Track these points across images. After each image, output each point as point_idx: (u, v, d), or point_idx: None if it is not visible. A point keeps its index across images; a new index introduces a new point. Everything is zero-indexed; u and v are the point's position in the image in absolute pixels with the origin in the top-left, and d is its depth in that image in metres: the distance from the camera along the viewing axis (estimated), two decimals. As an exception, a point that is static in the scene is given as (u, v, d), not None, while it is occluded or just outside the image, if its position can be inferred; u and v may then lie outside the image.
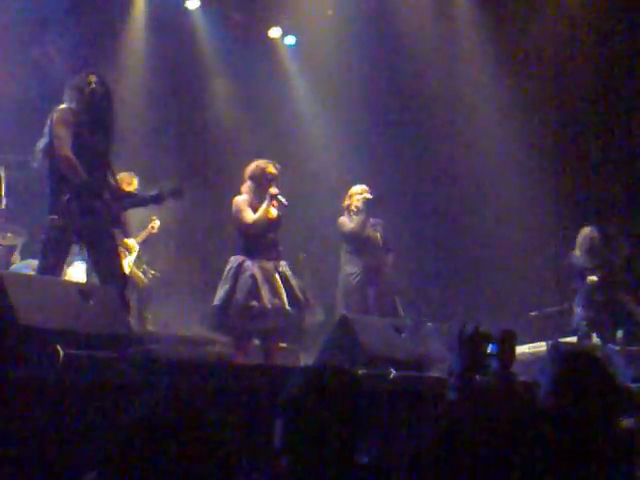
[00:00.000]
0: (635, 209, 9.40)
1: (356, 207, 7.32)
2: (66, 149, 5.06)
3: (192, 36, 10.17)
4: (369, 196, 7.27)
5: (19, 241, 7.92)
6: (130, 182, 7.89)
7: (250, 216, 6.14)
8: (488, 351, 2.87)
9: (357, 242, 7.26)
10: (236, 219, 6.21)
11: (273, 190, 6.18)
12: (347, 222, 7.32)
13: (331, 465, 2.05)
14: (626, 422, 4.10)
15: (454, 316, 8.65)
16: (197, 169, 10.09)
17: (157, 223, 8.37)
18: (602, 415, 2.47)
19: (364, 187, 7.37)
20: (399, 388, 4.84)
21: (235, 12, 10.32)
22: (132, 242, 8.06)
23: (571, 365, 2.59)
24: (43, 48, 8.68)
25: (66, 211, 5.00)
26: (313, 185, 9.94)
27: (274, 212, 6.27)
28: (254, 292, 5.93)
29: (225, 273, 6.09)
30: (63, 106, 5.21)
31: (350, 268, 7.27)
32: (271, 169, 6.26)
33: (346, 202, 7.39)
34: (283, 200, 6.21)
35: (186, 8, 10.02)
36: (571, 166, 9.74)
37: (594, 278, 7.85)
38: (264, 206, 6.15)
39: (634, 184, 9.53)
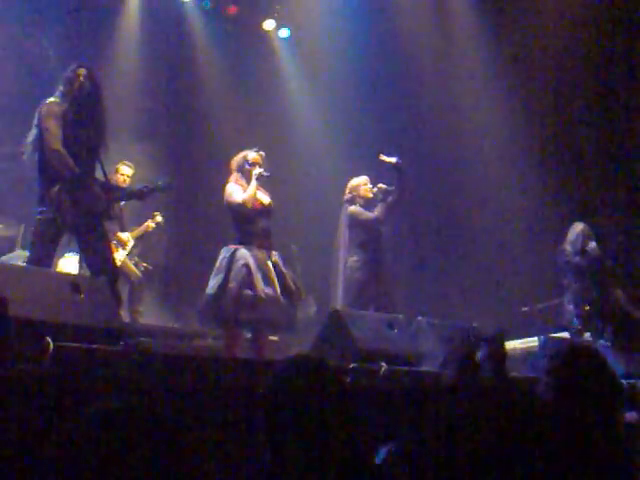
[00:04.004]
0: (629, 206, 9.41)
1: (365, 197, 7.22)
2: (56, 142, 5.06)
3: (186, 28, 10.15)
4: (384, 186, 7.19)
5: (12, 232, 7.90)
6: (121, 170, 7.89)
7: (241, 195, 6.17)
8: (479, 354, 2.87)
9: (372, 232, 7.15)
10: (228, 202, 6.24)
11: (256, 170, 6.21)
12: (363, 211, 7.17)
13: (314, 460, 2.04)
14: (629, 417, 4.10)
15: (448, 311, 8.65)
16: (190, 160, 10.08)
17: (159, 219, 8.34)
18: (603, 410, 2.47)
19: (366, 178, 7.30)
20: (390, 382, 4.84)
21: (229, 4, 10.30)
22: (126, 236, 8.05)
23: (572, 360, 2.58)
24: (35, 41, 8.65)
25: (56, 203, 4.99)
26: (306, 177, 9.94)
27: (265, 199, 6.29)
28: (248, 281, 5.92)
29: (218, 263, 6.08)
30: (52, 99, 5.21)
31: (357, 260, 7.09)
32: (251, 155, 6.33)
33: (348, 194, 7.26)
34: (265, 173, 6.24)
35: (180, 0, 10.00)
36: (567, 164, 9.74)
37: (593, 244, 7.85)
38: (252, 185, 6.19)
39: (630, 183, 9.53)
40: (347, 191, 7.28)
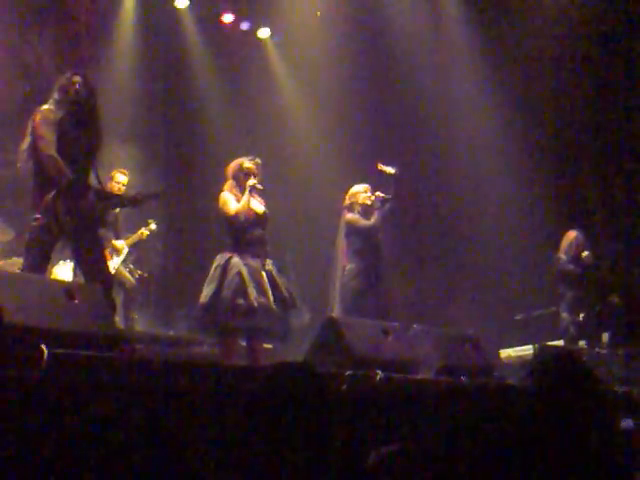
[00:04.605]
0: (622, 212, 9.43)
1: (362, 204, 7.22)
2: (50, 149, 5.05)
3: (181, 35, 10.16)
4: (382, 194, 7.19)
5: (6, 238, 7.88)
6: (116, 178, 7.88)
7: (234, 206, 6.17)
8: None
9: (369, 240, 7.15)
10: (221, 212, 6.24)
11: (250, 181, 6.20)
12: (360, 218, 7.17)
13: (306, 466, 2.02)
14: (624, 424, 4.09)
15: (443, 318, 8.65)
16: (185, 167, 10.07)
17: (153, 226, 8.32)
18: (586, 417, 2.46)
19: (367, 186, 7.30)
20: (386, 390, 4.83)
21: (224, 12, 10.33)
22: (121, 244, 8.04)
23: (552, 368, 2.58)
24: (31, 47, 8.65)
25: (50, 210, 4.98)
26: (300, 185, 9.94)
27: (260, 208, 6.28)
28: (241, 290, 5.92)
29: (212, 271, 6.08)
30: (45, 106, 5.20)
31: (353, 268, 7.08)
32: (246, 164, 6.31)
33: (347, 201, 7.25)
34: (258, 186, 6.23)
35: (175, 7, 10.02)
36: (564, 171, 9.76)
37: (586, 253, 7.85)
38: (244, 197, 6.18)
39: (624, 191, 9.55)
40: (346, 198, 7.28)
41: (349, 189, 7.32)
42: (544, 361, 2.65)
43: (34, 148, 5.11)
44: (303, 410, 2.08)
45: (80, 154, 5.19)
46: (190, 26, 10.22)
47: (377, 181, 7.33)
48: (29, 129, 5.16)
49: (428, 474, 1.92)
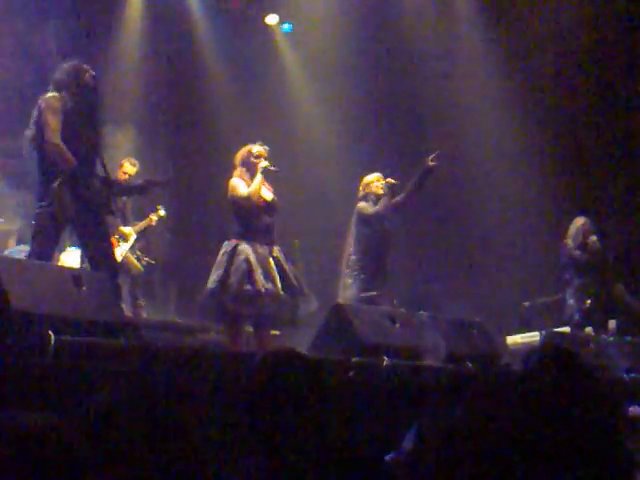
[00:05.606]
0: (630, 202, 9.41)
1: (376, 193, 7.19)
2: (55, 137, 5.06)
3: (189, 22, 10.14)
4: (393, 180, 7.16)
5: (13, 227, 7.90)
6: (125, 167, 7.89)
7: (245, 189, 6.13)
8: None
9: (375, 228, 7.10)
10: (232, 197, 6.17)
11: (262, 163, 6.17)
12: (369, 206, 7.13)
13: (288, 459, 2.02)
14: (632, 411, 4.09)
15: (449, 305, 8.64)
16: (193, 154, 10.07)
17: (162, 212, 8.31)
18: (577, 407, 2.45)
19: (378, 175, 7.26)
20: (392, 377, 4.84)
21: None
22: (129, 230, 8.05)
23: (543, 362, 2.58)
24: (39, 36, 8.65)
25: (56, 197, 4.98)
26: (308, 172, 9.93)
27: (269, 195, 6.24)
28: (248, 276, 5.90)
29: (219, 257, 6.06)
30: (51, 94, 5.19)
31: (358, 259, 7.06)
32: (255, 148, 6.26)
33: (362, 191, 7.21)
34: (272, 168, 6.18)
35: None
36: (568, 159, 9.73)
37: (594, 237, 7.82)
38: (257, 178, 6.13)
39: (629, 179, 9.52)
40: (360, 189, 7.25)
41: (361, 180, 7.29)
42: (534, 351, 2.65)
43: (39, 136, 5.11)
44: (295, 399, 2.07)
45: (85, 142, 5.20)
46: (197, 11, 10.19)
47: (383, 166, 7.32)
48: (34, 117, 5.17)
49: (433, 469, 1.92)
